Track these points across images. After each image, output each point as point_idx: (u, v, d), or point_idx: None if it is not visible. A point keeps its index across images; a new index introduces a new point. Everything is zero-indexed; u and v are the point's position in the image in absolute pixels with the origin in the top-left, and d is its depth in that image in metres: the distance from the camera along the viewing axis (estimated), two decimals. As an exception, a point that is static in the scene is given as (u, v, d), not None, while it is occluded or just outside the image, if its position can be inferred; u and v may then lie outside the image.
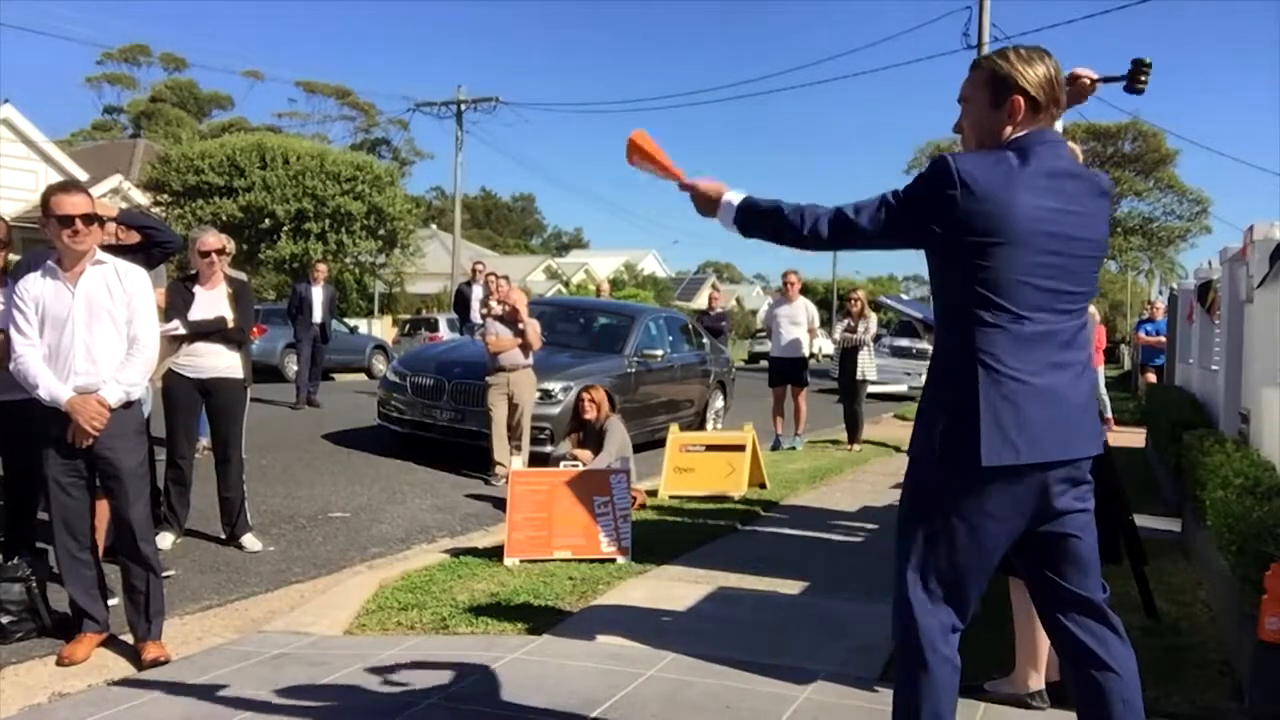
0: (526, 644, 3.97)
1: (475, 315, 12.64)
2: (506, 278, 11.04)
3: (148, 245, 4.74)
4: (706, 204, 2.53)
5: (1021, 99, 2.29)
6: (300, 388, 12.84)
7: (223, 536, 5.82)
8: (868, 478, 8.85)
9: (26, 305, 3.79)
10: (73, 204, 3.77)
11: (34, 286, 3.82)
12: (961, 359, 2.25)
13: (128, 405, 3.89)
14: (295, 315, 12.90)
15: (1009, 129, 2.31)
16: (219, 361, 5.65)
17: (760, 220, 2.44)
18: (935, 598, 2.30)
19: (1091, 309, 12.58)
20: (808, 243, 2.38)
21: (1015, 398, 2.21)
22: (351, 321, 24.33)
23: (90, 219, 3.80)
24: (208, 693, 3.45)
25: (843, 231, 2.34)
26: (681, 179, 2.62)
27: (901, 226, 2.31)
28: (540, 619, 4.33)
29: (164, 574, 4.25)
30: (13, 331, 3.80)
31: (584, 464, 6.65)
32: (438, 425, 9.04)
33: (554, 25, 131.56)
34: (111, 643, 3.97)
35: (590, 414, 7.04)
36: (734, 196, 2.49)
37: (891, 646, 3.91)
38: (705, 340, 12.01)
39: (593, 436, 7.01)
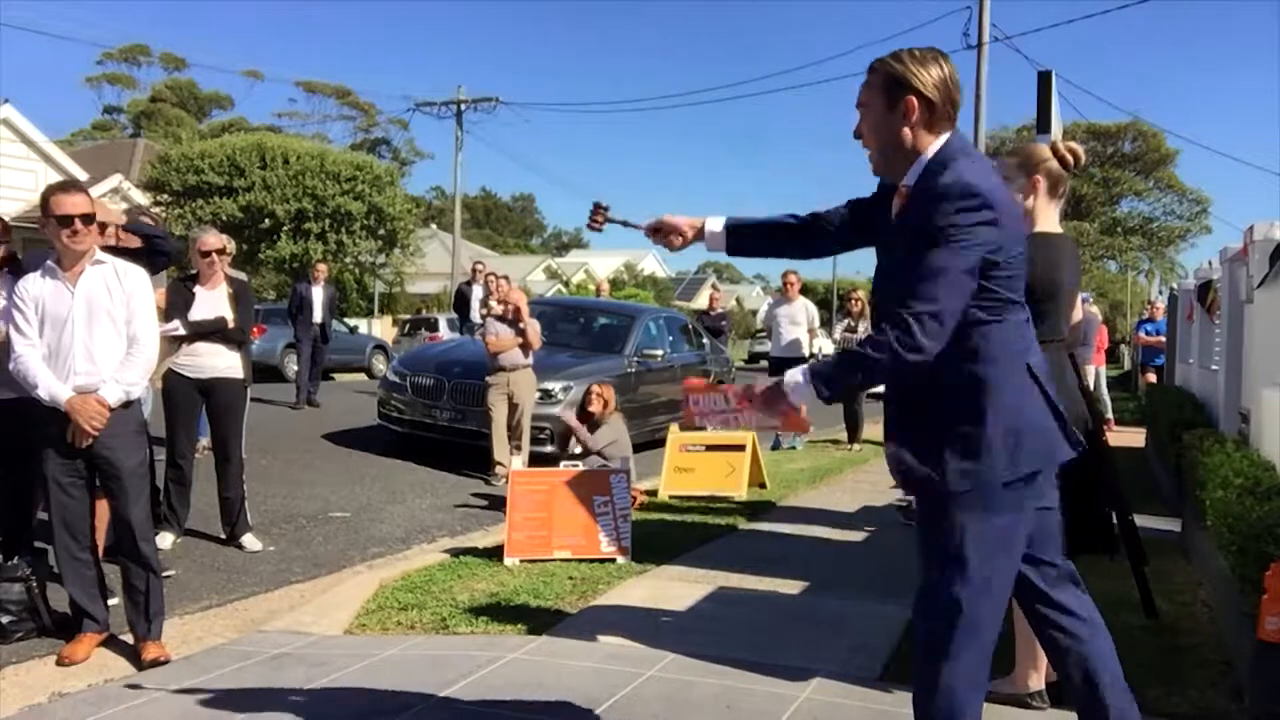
0: (526, 644, 3.97)
1: (475, 315, 12.66)
2: (506, 278, 11.05)
3: (148, 251, 4.74)
4: (775, 401, 2.33)
5: (915, 99, 2.28)
6: (300, 388, 12.85)
7: (223, 536, 5.82)
8: (868, 478, 8.84)
9: (26, 305, 3.79)
10: (72, 204, 3.78)
11: (34, 286, 3.82)
12: (1004, 365, 2.25)
13: (127, 405, 3.89)
14: (295, 315, 12.90)
15: (906, 130, 2.31)
16: (219, 361, 5.65)
17: (842, 377, 2.26)
18: (990, 629, 2.29)
19: (1094, 308, 12.58)
20: (911, 367, 2.17)
21: (1046, 386, 2.34)
22: (351, 321, 24.34)
23: (89, 219, 3.81)
24: (208, 693, 3.45)
25: (941, 328, 2.16)
26: (744, 401, 2.44)
27: (974, 279, 2.19)
28: (540, 619, 4.33)
29: (164, 574, 4.26)
30: (12, 331, 3.80)
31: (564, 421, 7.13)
32: (438, 425, 9.04)
33: (554, 25, 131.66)
34: (111, 643, 3.97)
35: (596, 407, 7.13)
36: (795, 375, 2.30)
37: (892, 645, 3.93)
38: (705, 340, 12.01)
39: (595, 431, 7.10)
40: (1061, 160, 3.32)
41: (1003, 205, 2.23)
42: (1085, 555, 3.43)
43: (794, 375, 2.30)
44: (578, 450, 7.18)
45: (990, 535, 2.25)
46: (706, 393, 2.59)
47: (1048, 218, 3.34)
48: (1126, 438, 11.46)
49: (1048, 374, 2.36)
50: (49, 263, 3.85)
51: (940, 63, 2.31)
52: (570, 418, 7.23)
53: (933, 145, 2.30)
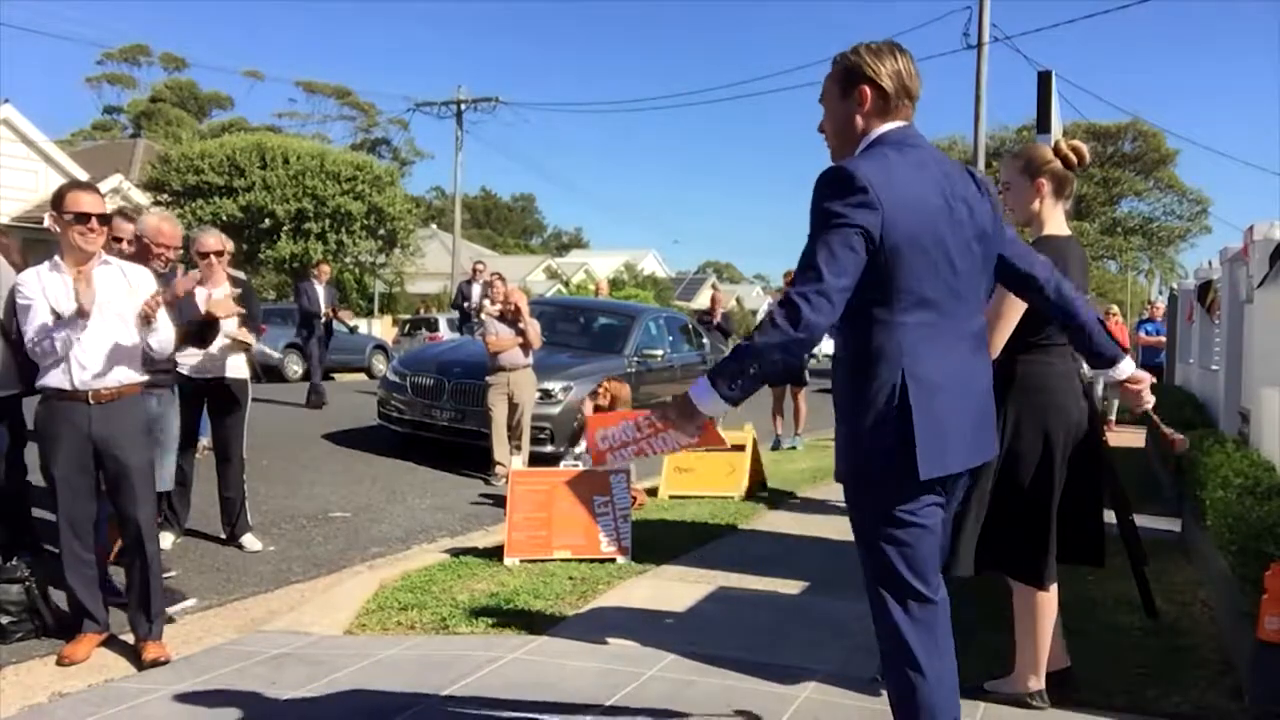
0: (526, 644, 3.97)
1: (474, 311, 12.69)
2: (502, 279, 11.06)
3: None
4: (688, 415, 2.30)
5: (869, 88, 2.36)
6: (314, 387, 12.78)
7: (223, 536, 5.82)
8: (868, 478, 8.83)
9: (33, 296, 3.79)
10: (90, 202, 3.82)
11: (37, 281, 3.82)
12: (875, 370, 2.27)
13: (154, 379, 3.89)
14: (314, 315, 12.79)
15: (859, 119, 2.39)
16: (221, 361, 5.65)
17: (738, 369, 2.21)
18: (912, 596, 2.36)
19: (1114, 307, 12.83)
20: (802, 345, 2.18)
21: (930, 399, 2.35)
22: (351, 321, 24.34)
23: (105, 219, 3.86)
24: (208, 693, 3.45)
25: (828, 303, 2.17)
26: (656, 424, 2.39)
27: (857, 258, 2.20)
28: (540, 619, 4.33)
29: (166, 574, 4.26)
30: (29, 323, 3.79)
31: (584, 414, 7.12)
32: (438, 425, 9.04)
33: (554, 25, 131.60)
34: (111, 643, 3.97)
35: (603, 402, 7.22)
36: (697, 383, 2.27)
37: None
38: (705, 340, 12.02)
39: None
40: (1065, 160, 3.30)
41: (886, 191, 2.21)
42: (1077, 565, 3.44)
43: (696, 384, 2.26)
44: (580, 449, 7.18)
45: (878, 523, 2.32)
46: (614, 424, 2.44)
47: (1055, 220, 3.32)
48: (1126, 438, 11.46)
49: (938, 385, 2.28)
50: (55, 258, 3.86)
51: (896, 55, 2.39)
52: (588, 409, 7.25)
53: (875, 133, 2.37)
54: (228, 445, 5.72)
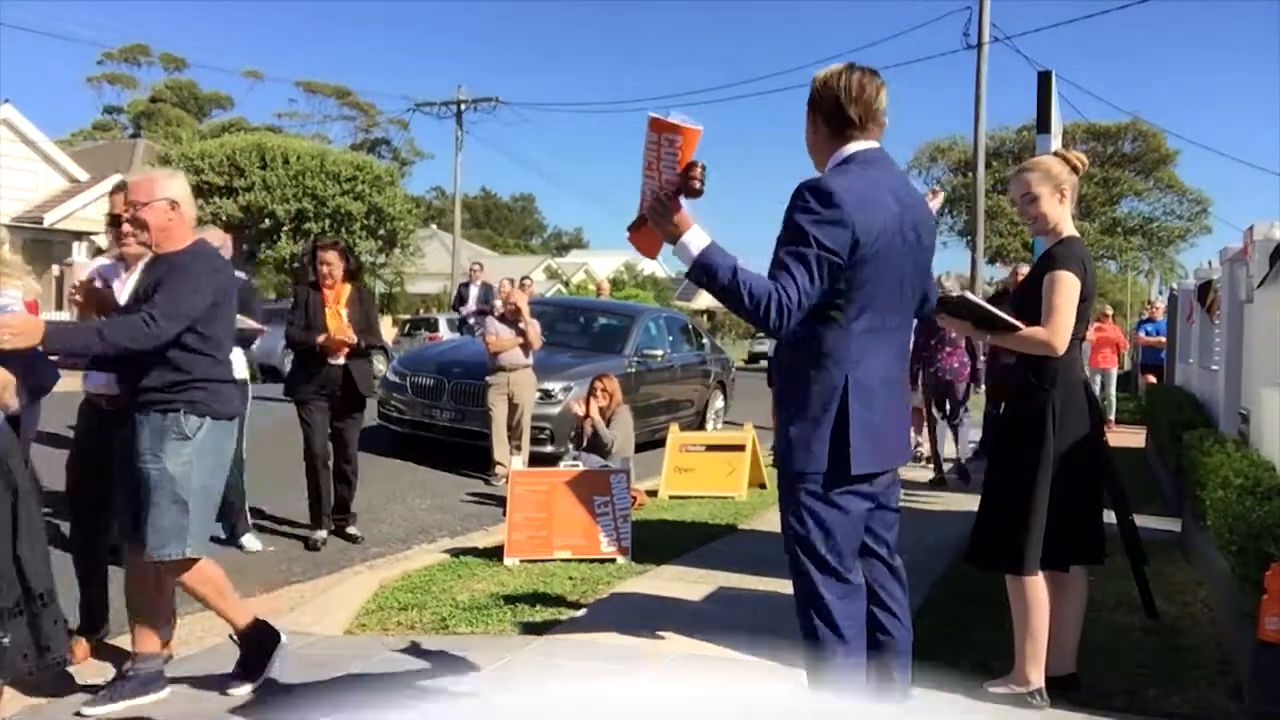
0: (526, 644, 3.97)
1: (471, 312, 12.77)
2: (511, 280, 11.08)
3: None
4: (667, 218, 2.44)
5: (834, 108, 2.56)
6: None
7: (223, 536, 5.81)
8: (868, 478, 8.82)
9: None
10: (113, 203, 3.85)
11: (109, 275, 3.90)
12: (826, 372, 2.51)
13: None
14: None
15: (814, 136, 2.62)
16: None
17: (710, 282, 2.45)
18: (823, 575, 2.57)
19: (1108, 308, 12.87)
20: (761, 324, 2.41)
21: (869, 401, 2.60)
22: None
23: (115, 220, 3.83)
24: (208, 693, 3.46)
25: (793, 310, 2.38)
26: (660, 180, 2.44)
27: (829, 274, 2.42)
28: (540, 619, 4.33)
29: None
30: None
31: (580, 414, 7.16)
32: (438, 425, 9.05)
33: (554, 25, 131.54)
34: (111, 643, 3.97)
35: (602, 402, 7.21)
36: (697, 240, 2.44)
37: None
38: (705, 340, 12.03)
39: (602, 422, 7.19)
40: (1074, 168, 3.46)
41: (857, 211, 2.41)
42: (1080, 565, 3.45)
43: (696, 237, 2.43)
44: (572, 453, 7.18)
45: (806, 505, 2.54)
46: (662, 148, 2.43)
47: (1069, 223, 3.46)
48: (1126, 438, 11.46)
49: (874, 389, 2.51)
50: (119, 255, 3.92)
51: (846, 75, 2.56)
52: (580, 406, 7.26)
53: (841, 151, 2.57)
54: (227, 445, 5.70)
